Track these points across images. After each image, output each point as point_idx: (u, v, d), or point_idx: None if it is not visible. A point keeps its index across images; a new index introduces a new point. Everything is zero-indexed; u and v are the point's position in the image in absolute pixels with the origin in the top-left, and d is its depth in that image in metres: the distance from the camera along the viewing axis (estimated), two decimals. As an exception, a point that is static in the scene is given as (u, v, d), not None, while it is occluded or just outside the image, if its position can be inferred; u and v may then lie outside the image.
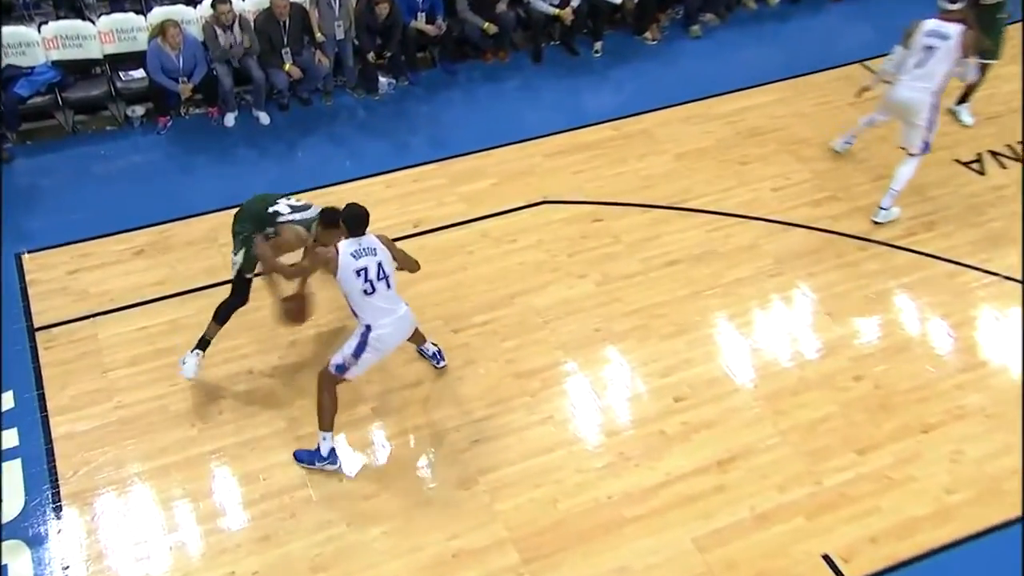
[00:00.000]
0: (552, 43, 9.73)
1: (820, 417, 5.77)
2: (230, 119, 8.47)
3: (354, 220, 5.15)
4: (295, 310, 5.64)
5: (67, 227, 7.20)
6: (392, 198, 7.57)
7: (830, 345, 6.27)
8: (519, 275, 6.81)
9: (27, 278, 6.76)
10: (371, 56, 8.69)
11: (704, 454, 5.56)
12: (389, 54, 8.80)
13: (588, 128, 8.40)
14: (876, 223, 7.15)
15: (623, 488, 5.38)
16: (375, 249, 5.14)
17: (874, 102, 7.66)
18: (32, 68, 8.05)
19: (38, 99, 8.09)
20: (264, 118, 8.50)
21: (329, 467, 5.38)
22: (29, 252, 6.99)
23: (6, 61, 8.00)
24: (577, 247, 7.06)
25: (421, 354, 6.06)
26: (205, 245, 7.06)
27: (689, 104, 8.70)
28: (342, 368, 5.20)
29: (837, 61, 9.25)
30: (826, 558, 5.03)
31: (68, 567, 4.98)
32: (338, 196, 7.51)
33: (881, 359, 6.16)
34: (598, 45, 9.58)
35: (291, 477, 5.38)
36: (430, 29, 8.97)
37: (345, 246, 5.11)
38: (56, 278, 6.76)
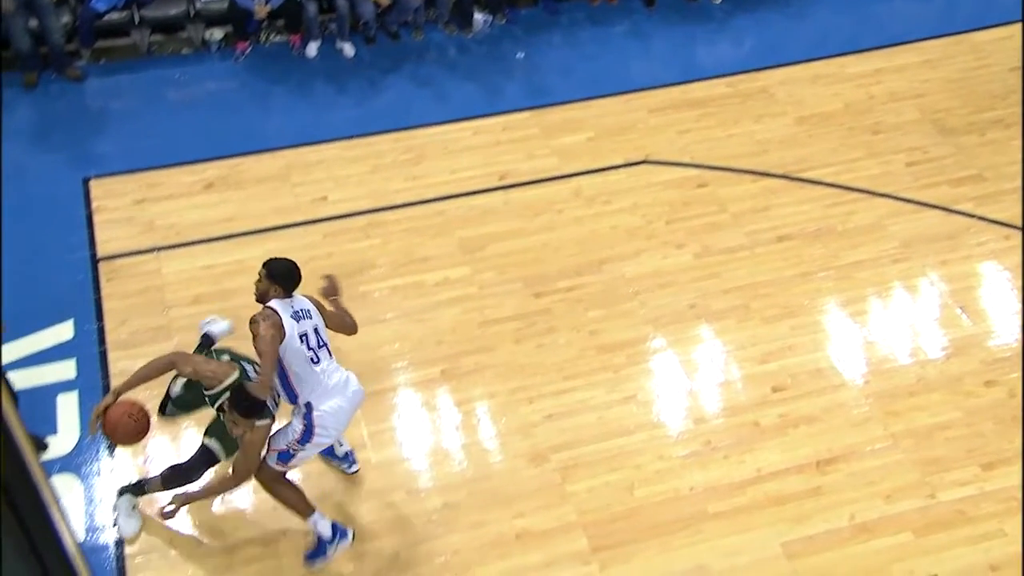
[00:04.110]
0: (668, -15, 9.56)
1: (940, 423, 5.61)
2: (312, 49, 8.60)
3: (287, 276, 4.61)
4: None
5: (136, 153, 7.46)
6: (478, 147, 7.60)
7: (959, 344, 6.07)
8: (610, 240, 6.78)
9: (93, 205, 7.05)
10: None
11: (802, 452, 5.48)
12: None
13: (700, 83, 8.25)
14: None
15: (707, 480, 5.35)
16: (310, 312, 4.64)
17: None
18: (111, -19, 8.32)
19: (115, 15, 8.36)
20: (348, 50, 8.61)
21: (343, 545, 4.86)
22: (96, 177, 7.28)
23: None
24: (677, 214, 6.98)
25: (328, 455, 5.28)
26: (277, 183, 7.23)
27: (817, 62, 8.46)
28: (287, 456, 4.63)
29: (1000, 18, 8.82)
30: (933, 580, 4.93)
31: (118, 508, 5.22)
32: (420, 140, 7.63)
33: (1019, 365, 5.92)
34: (719, -10, 9.37)
35: (351, 438, 5.49)
36: (533, -38, 8.91)
37: (281, 307, 4.54)
38: (122, 206, 7.03)
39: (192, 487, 4.88)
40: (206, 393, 4.58)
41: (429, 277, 6.45)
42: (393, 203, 7.06)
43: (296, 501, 4.80)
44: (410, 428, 5.62)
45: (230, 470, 4.70)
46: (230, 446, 4.78)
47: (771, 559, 5.00)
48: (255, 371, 4.63)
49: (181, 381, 4.83)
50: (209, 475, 4.97)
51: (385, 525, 5.16)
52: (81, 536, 5.10)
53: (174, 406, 4.96)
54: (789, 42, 8.76)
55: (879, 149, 7.53)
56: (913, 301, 6.40)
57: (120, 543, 5.06)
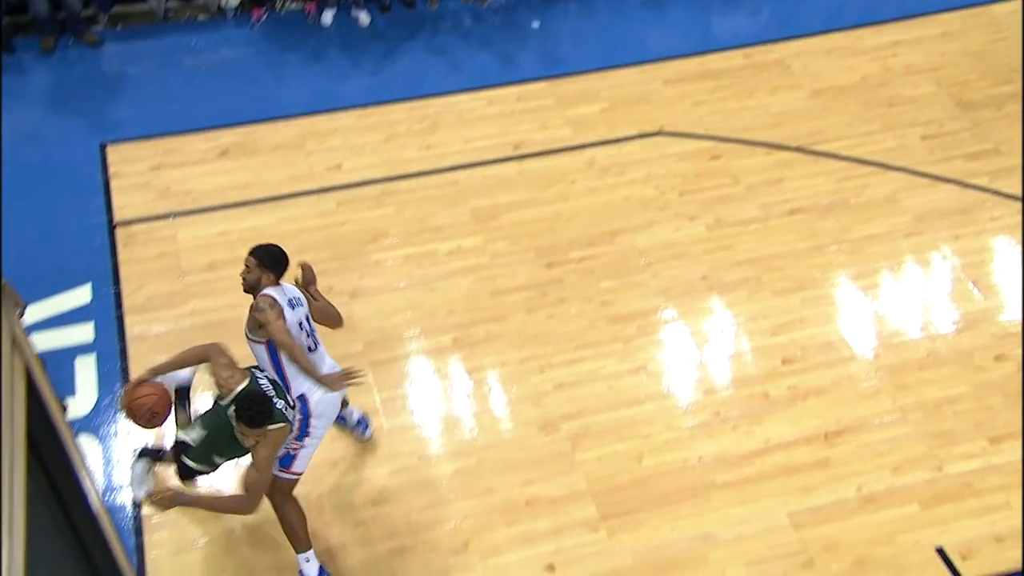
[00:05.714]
0: (685, -45, 9.47)
1: (949, 397, 5.64)
2: (327, 17, 8.58)
3: (279, 262, 4.53)
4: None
5: (152, 119, 7.48)
6: (493, 116, 7.59)
7: (970, 318, 6.08)
8: (623, 211, 6.78)
9: (110, 170, 7.08)
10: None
11: (810, 423, 5.52)
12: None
13: (716, 54, 8.19)
14: None
15: (716, 451, 5.40)
16: (301, 299, 4.60)
17: None
18: (127, -53, 8.31)
19: (131, -19, 8.38)
20: (364, 18, 8.58)
21: None
22: (113, 143, 7.31)
23: (101, -61, 8.28)
24: (690, 185, 6.97)
25: (340, 423, 5.26)
26: (292, 151, 7.25)
27: (834, 34, 8.39)
28: (288, 460, 4.55)
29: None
30: (940, 552, 4.97)
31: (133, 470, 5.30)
32: (434, 109, 7.62)
33: (1028, 339, 5.95)
34: (737, -40, 9.27)
35: (364, 403, 5.56)
36: (550, -69, 8.82)
37: (278, 295, 4.46)
38: (139, 172, 7.06)
39: (203, 492, 4.86)
40: (219, 404, 4.47)
41: (442, 246, 6.49)
42: (407, 172, 7.08)
43: (300, 528, 4.69)
44: (422, 395, 5.68)
45: (242, 487, 4.44)
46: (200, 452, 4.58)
47: (778, 529, 5.06)
48: (267, 379, 4.51)
49: (199, 432, 4.53)
50: (226, 484, 5.01)
51: (396, 490, 5.23)
52: (99, 496, 5.20)
53: (194, 460, 4.58)
54: (805, 13, 8.68)
55: (894, 122, 7.49)
56: (925, 275, 6.40)
57: (138, 503, 5.15)
